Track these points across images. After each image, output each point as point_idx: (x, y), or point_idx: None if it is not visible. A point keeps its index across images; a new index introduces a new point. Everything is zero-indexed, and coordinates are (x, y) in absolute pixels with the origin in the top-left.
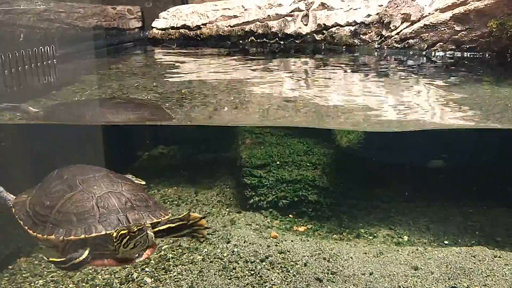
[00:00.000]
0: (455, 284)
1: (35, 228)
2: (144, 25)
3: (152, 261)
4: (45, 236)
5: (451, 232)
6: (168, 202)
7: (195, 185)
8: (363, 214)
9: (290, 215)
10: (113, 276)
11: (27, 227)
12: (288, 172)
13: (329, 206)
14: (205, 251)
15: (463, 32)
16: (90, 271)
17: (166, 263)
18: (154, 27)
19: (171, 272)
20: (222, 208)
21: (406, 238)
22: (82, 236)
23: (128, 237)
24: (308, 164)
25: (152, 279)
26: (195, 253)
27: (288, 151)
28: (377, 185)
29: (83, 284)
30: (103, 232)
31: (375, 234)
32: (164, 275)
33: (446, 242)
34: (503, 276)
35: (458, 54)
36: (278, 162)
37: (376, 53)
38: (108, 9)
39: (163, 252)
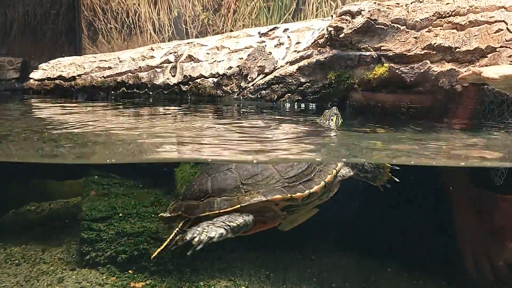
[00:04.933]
0: None
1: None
2: (23, 76)
3: None
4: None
5: (291, 280)
6: (9, 262)
7: (45, 242)
8: (206, 266)
9: (129, 271)
10: None
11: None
12: (131, 225)
13: (171, 259)
14: None
15: (307, 84)
16: None
17: None
18: (31, 78)
19: None
20: (60, 266)
21: None
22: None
23: None
24: (153, 215)
25: None
26: None
27: (134, 202)
28: None
29: None
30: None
31: (213, 286)
32: None
33: None
34: None
35: (303, 105)
36: (121, 214)
37: (235, 104)
38: None
39: None
